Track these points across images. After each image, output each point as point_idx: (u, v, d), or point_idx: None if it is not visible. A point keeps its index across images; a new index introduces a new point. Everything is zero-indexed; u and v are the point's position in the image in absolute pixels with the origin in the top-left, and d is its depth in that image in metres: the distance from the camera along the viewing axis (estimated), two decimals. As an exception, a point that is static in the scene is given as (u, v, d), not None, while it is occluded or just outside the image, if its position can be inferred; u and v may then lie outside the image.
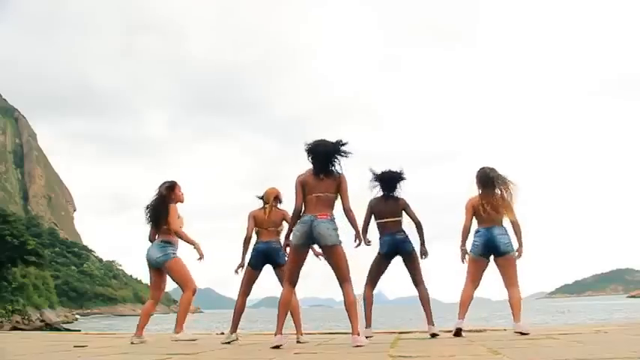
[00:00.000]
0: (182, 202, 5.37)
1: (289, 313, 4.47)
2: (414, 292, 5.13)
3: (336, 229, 4.11)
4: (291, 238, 4.20)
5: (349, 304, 4.05)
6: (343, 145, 4.12)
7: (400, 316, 38.88)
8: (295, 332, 4.94)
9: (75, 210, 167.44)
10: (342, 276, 4.10)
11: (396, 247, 5.05)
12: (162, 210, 5.17)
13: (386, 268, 5.19)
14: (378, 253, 5.13)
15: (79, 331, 18.17)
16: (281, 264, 4.77)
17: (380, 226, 5.11)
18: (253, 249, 4.88)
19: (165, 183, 5.32)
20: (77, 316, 68.88)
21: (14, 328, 29.86)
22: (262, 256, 4.84)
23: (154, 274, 5.24)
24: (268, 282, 4.96)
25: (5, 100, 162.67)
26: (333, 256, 4.08)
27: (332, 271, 4.15)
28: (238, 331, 4.90)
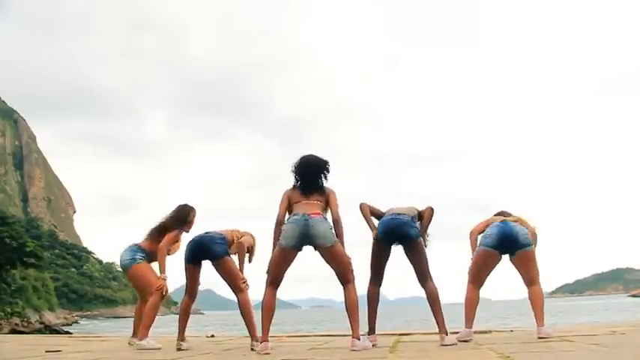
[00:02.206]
0: (188, 230, 4.79)
1: (242, 316, 4.14)
2: (414, 292, 4.65)
3: (332, 229, 3.78)
4: (280, 239, 3.75)
5: (350, 305, 3.72)
6: (328, 166, 3.91)
7: (401, 316, 38.41)
8: (250, 337, 4.17)
9: (75, 212, 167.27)
10: (345, 275, 3.78)
11: (395, 229, 4.07)
12: (169, 229, 4.67)
13: (387, 258, 4.21)
14: (374, 239, 4.17)
15: (71, 333, 17.86)
16: (218, 256, 4.20)
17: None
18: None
19: (184, 210, 4.76)
20: (77, 318, 68.70)
21: (13, 331, 29.52)
22: (195, 248, 4.25)
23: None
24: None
25: (4, 102, 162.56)
26: (334, 255, 3.75)
27: (333, 271, 3.81)
28: (239, 333, 4.52)
